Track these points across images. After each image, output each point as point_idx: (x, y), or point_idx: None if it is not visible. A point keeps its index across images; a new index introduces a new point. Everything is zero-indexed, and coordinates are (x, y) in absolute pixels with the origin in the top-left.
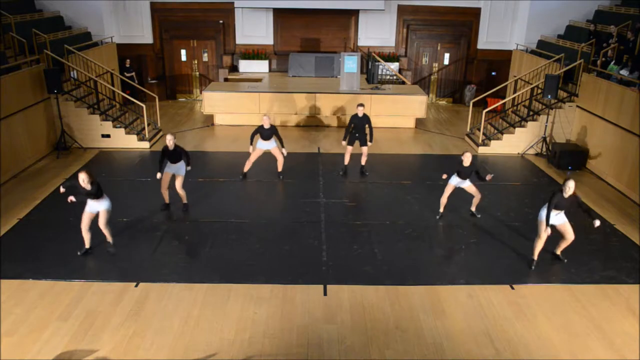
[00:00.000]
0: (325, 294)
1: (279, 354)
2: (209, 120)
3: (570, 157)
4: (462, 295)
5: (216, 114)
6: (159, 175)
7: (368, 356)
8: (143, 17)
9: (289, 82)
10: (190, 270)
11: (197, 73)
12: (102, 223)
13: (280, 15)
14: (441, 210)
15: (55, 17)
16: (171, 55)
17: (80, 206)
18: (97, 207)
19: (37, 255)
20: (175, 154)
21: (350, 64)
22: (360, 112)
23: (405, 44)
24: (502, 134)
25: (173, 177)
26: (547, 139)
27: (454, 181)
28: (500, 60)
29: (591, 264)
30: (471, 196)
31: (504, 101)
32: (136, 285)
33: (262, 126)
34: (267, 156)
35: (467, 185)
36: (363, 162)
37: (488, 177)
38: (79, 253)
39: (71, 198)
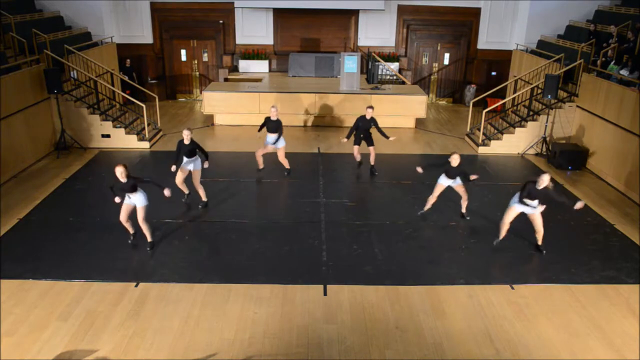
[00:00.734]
0: (325, 294)
1: (279, 354)
2: (209, 120)
3: (570, 157)
4: (462, 295)
5: (216, 114)
6: (173, 167)
7: (368, 356)
8: (143, 17)
9: (289, 82)
10: (190, 270)
11: (197, 73)
12: (140, 219)
13: (280, 15)
14: (426, 208)
15: (55, 17)
16: (171, 55)
17: (80, 206)
18: (134, 201)
19: (37, 255)
20: (192, 149)
21: (350, 64)
22: (369, 114)
23: (405, 44)
24: (502, 134)
25: (189, 174)
26: (547, 139)
27: (443, 181)
28: (500, 60)
29: (591, 264)
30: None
31: (504, 101)
32: (136, 285)
33: (269, 118)
34: (268, 157)
35: (457, 184)
36: (372, 162)
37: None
38: (129, 241)
39: (117, 199)
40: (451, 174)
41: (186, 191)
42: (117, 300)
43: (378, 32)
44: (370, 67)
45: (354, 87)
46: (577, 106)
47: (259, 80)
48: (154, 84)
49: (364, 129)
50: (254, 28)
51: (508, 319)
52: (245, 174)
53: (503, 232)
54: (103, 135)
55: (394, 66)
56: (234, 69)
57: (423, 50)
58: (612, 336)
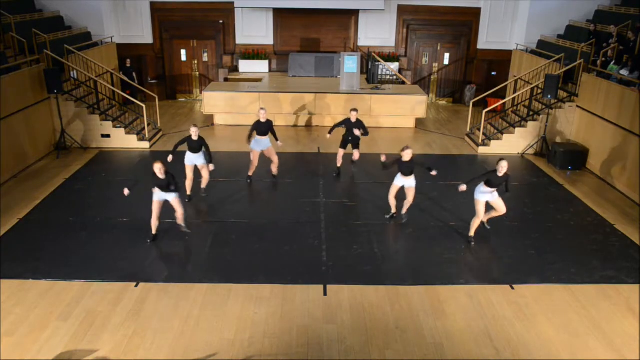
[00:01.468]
0: (325, 294)
1: (279, 354)
2: (209, 120)
3: (570, 157)
4: (462, 295)
5: (216, 114)
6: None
7: (368, 356)
8: (143, 17)
9: (289, 82)
10: (190, 270)
11: (197, 73)
12: (177, 206)
13: (280, 15)
14: (392, 210)
15: (55, 17)
16: (171, 55)
17: (80, 206)
18: (165, 196)
19: (37, 255)
20: (197, 145)
21: (350, 64)
22: (353, 117)
23: (405, 44)
24: (502, 134)
25: (196, 169)
26: (547, 139)
27: (398, 181)
28: (500, 60)
29: (591, 264)
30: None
31: (504, 101)
32: (136, 285)
33: (258, 121)
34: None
35: (408, 185)
36: (355, 158)
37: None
38: (148, 241)
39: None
40: (405, 170)
41: (189, 192)
42: (117, 300)
43: (378, 32)
44: (370, 67)
45: (354, 87)
46: (577, 106)
47: (259, 80)
48: (154, 84)
49: (349, 132)
50: (254, 28)
51: (508, 319)
52: (245, 174)
53: (476, 225)
54: (103, 135)
55: (394, 66)
56: (234, 69)
57: (423, 50)
58: (612, 336)
